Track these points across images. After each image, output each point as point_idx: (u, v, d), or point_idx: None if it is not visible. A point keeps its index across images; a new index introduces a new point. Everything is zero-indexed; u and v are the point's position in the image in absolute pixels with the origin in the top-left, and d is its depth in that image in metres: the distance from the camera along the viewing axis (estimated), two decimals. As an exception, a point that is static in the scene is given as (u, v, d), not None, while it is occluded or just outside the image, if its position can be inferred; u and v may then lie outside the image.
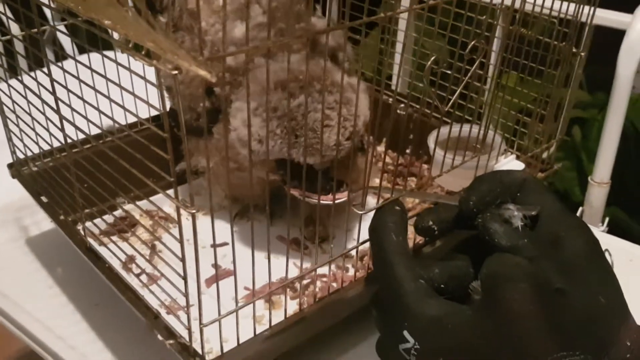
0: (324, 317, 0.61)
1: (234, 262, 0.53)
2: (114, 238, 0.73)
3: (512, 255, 0.48)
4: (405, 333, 0.48)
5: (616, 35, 0.89)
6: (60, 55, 0.65)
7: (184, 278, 0.49)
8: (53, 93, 0.55)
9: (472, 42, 0.60)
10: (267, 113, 0.62)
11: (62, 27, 0.98)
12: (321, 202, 0.65)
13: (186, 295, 0.50)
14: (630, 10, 0.90)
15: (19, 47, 0.72)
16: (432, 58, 0.56)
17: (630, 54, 0.86)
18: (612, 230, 0.96)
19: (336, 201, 0.66)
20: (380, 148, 0.95)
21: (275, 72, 0.63)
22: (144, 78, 0.47)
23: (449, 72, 0.63)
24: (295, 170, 0.58)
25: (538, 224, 0.51)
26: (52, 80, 0.55)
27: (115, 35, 0.43)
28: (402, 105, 0.91)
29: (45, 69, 0.58)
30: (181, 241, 0.47)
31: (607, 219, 0.96)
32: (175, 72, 0.38)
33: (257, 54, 0.64)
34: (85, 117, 0.56)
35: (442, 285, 0.52)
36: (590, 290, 0.46)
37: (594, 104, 1.60)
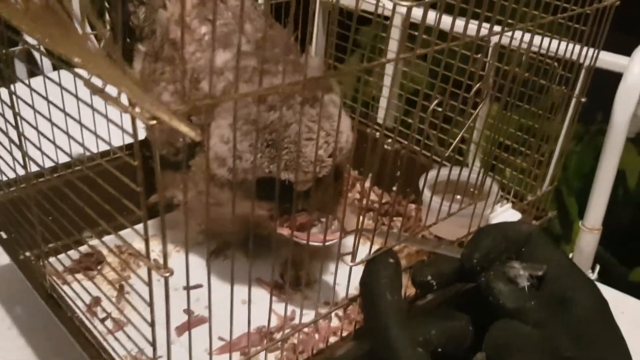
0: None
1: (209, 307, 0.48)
2: (79, 276, 0.68)
3: (519, 324, 0.45)
4: None
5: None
6: (28, 72, 0.60)
7: (152, 325, 0.44)
8: (16, 114, 0.50)
9: (477, 85, 0.57)
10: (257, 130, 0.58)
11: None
12: (311, 243, 0.61)
13: (154, 345, 0.45)
14: (627, 52, 0.87)
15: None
16: (436, 101, 0.52)
17: (627, 99, 0.83)
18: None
19: (327, 243, 0.62)
20: (366, 184, 0.91)
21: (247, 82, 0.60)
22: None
23: (452, 115, 0.60)
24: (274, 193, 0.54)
25: (544, 281, 0.48)
26: (16, 99, 0.49)
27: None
28: (390, 140, 0.88)
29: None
30: (151, 304, 0.42)
31: (597, 267, 0.93)
32: (153, 122, 0.33)
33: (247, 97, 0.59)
34: (54, 143, 0.51)
35: (440, 349, 0.48)
36: (600, 356, 0.44)
37: (572, 136, 1.58)
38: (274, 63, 0.61)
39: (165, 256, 0.39)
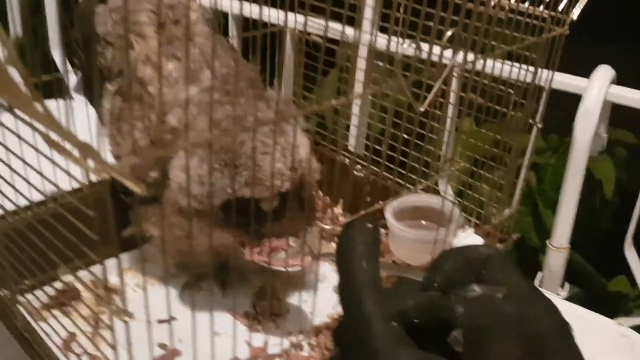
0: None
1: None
2: (55, 312, 0.68)
3: (497, 299, 0.45)
4: None
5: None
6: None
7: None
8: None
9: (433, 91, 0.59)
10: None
11: None
12: (273, 267, 0.62)
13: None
14: (585, 74, 0.89)
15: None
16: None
17: (586, 119, 0.85)
18: (570, 276, 0.96)
19: (290, 268, 0.63)
20: (337, 210, 0.92)
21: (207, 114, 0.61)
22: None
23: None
24: (244, 216, 0.56)
25: None
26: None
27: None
28: (359, 166, 0.90)
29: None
30: (114, 346, 0.43)
31: (567, 286, 0.94)
32: (105, 175, 0.34)
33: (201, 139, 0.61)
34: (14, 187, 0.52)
35: (415, 320, 0.48)
36: None
37: (547, 148, 1.59)
38: (235, 96, 0.63)
39: (125, 301, 0.40)
